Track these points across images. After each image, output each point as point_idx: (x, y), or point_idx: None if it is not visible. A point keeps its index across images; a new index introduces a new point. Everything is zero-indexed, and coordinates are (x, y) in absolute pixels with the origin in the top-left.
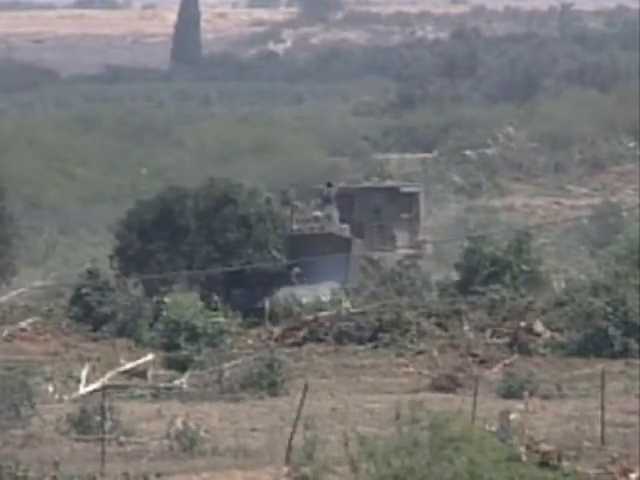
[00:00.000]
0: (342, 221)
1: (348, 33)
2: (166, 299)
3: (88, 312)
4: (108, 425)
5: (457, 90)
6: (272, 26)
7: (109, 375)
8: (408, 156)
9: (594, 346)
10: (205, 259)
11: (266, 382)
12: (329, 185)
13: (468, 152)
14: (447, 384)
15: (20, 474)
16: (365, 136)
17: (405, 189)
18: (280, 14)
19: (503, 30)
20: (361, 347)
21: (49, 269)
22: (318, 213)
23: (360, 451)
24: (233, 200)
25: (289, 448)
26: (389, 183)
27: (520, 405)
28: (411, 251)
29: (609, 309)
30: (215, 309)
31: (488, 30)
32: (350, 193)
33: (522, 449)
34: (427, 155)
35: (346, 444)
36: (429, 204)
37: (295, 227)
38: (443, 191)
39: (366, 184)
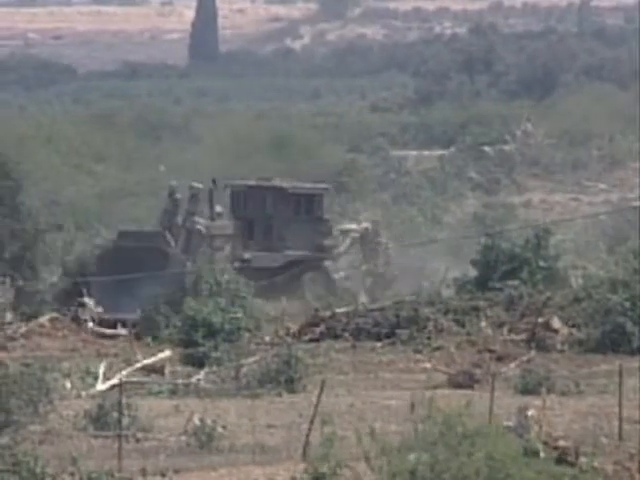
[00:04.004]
0: (237, 219)
1: (366, 29)
2: None
3: None
4: (126, 421)
5: (475, 86)
6: (290, 22)
7: (127, 371)
8: (426, 152)
9: (612, 342)
10: None
11: (283, 378)
12: (214, 182)
13: (486, 148)
14: (464, 380)
15: (38, 470)
16: (383, 132)
17: (302, 190)
18: (298, 10)
19: (521, 26)
20: (378, 343)
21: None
22: (219, 209)
23: (375, 447)
24: None
25: (306, 444)
26: (281, 183)
27: (538, 401)
28: (299, 253)
29: (627, 305)
30: None
31: (506, 26)
32: (242, 191)
33: (540, 445)
34: (445, 151)
35: (361, 440)
36: (446, 200)
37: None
38: (461, 187)
39: (267, 183)
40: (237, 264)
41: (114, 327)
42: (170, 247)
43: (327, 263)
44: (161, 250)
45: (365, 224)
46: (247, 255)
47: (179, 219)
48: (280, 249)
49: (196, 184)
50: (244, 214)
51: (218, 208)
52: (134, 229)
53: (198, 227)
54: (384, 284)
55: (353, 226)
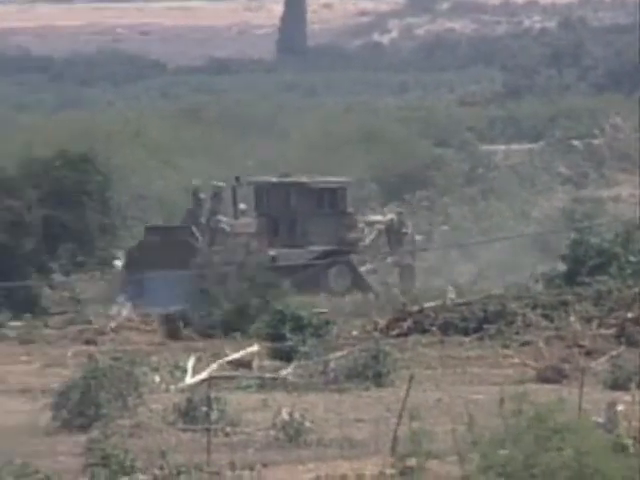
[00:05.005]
0: (261, 216)
1: (454, 23)
2: None
3: None
4: (214, 415)
5: (564, 80)
6: (378, 16)
7: (215, 366)
8: (514, 147)
9: None
10: None
11: (371, 373)
12: (237, 179)
13: (575, 142)
14: (553, 375)
15: (128, 463)
16: (471, 127)
17: (324, 185)
18: (386, 4)
19: (610, 19)
20: (466, 338)
21: None
22: (243, 206)
23: (467, 441)
24: None
25: (394, 439)
26: (305, 178)
27: (627, 397)
28: (329, 247)
29: None
30: None
31: (595, 19)
32: (265, 188)
33: (629, 441)
34: (533, 146)
35: (453, 434)
36: (535, 194)
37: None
38: (549, 182)
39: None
40: (263, 261)
41: None
42: (197, 241)
43: (352, 256)
44: (189, 244)
45: (390, 215)
46: (272, 252)
47: (203, 218)
48: (305, 245)
49: (219, 182)
50: (268, 211)
51: (242, 206)
52: (162, 224)
53: (222, 226)
54: (411, 275)
55: (378, 218)
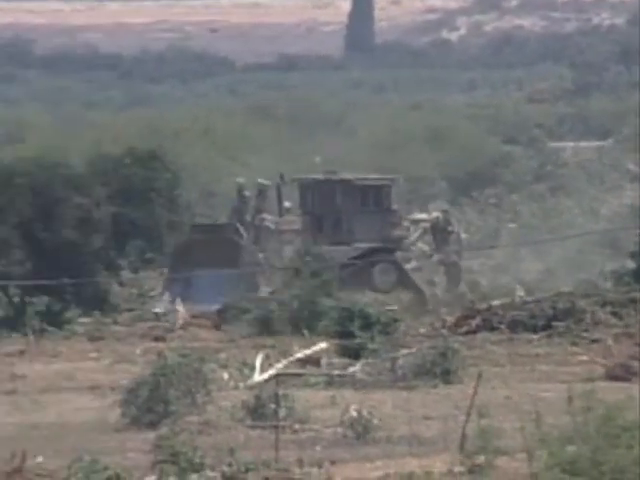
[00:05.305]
0: (306, 213)
1: (522, 20)
2: None
3: None
4: (282, 412)
5: (632, 77)
6: (446, 13)
7: (283, 363)
8: (583, 144)
9: None
10: None
11: (439, 370)
12: (282, 177)
13: None
14: (622, 373)
15: (197, 460)
16: (539, 124)
17: (368, 182)
18: (454, 2)
19: None
20: (535, 336)
21: None
22: (287, 204)
23: (535, 439)
24: None
25: (463, 436)
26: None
27: None
28: (374, 244)
29: None
30: None
31: None
32: (310, 185)
33: None
34: (602, 143)
35: (522, 431)
36: (603, 191)
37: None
38: (618, 179)
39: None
40: (308, 259)
41: None
42: (242, 239)
43: (398, 254)
44: (233, 242)
45: (435, 213)
46: (317, 249)
47: (248, 216)
48: (349, 242)
49: (263, 181)
50: (312, 208)
51: (286, 203)
52: (207, 222)
53: (266, 224)
54: (456, 273)
55: (424, 216)
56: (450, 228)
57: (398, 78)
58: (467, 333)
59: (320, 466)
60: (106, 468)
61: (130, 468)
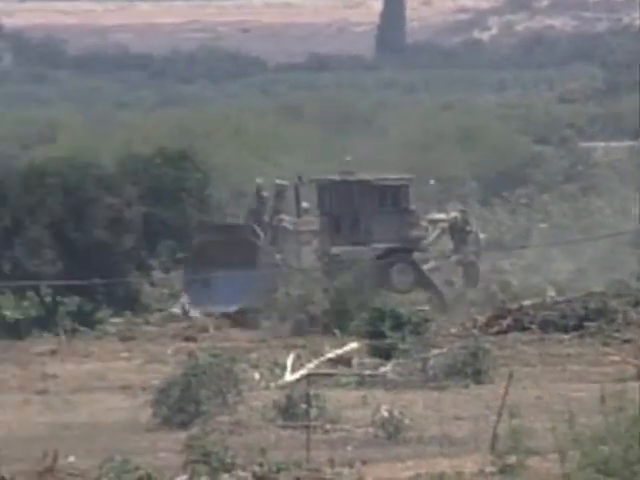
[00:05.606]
0: (324, 214)
1: (553, 20)
2: None
3: None
4: (314, 412)
5: None
6: (477, 13)
7: (314, 363)
8: (614, 144)
9: None
10: None
11: (470, 370)
12: (299, 178)
13: None
14: None
15: (228, 460)
16: (570, 123)
17: (386, 182)
18: (485, 2)
19: None
20: (566, 336)
21: None
22: (305, 205)
23: (567, 439)
24: None
25: (494, 436)
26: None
27: None
28: (391, 245)
29: None
30: None
31: None
32: (327, 186)
33: None
34: (633, 143)
35: (554, 432)
36: (635, 191)
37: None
38: None
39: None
40: (326, 260)
41: None
42: (259, 239)
43: (415, 254)
44: (250, 242)
45: (454, 213)
46: (335, 250)
47: (266, 217)
48: (367, 243)
49: (281, 181)
50: (330, 209)
51: (304, 204)
52: (223, 222)
53: (284, 224)
54: (475, 273)
55: (442, 216)
56: (468, 228)
57: (429, 78)
58: (498, 333)
59: (351, 466)
60: (137, 468)
61: (161, 468)
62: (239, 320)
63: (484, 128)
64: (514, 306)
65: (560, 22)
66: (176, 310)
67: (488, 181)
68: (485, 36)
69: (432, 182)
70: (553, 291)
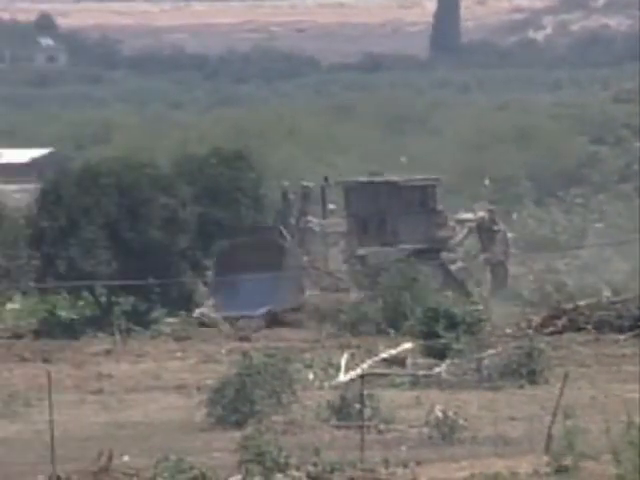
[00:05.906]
0: (350, 215)
1: (609, 19)
2: None
3: None
4: (368, 412)
5: None
6: (532, 13)
7: (368, 363)
8: None
9: None
10: None
11: (525, 371)
12: (326, 180)
13: None
14: None
15: (282, 460)
16: (626, 123)
17: (413, 183)
18: (540, 1)
19: None
20: (621, 336)
21: None
22: (332, 206)
23: (622, 440)
24: None
25: (549, 437)
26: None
27: None
28: (419, 246)
29: None
30: None
31: None
32: (354, 187)
33: None
34: None
35: (608, 433)
36: None
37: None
38: None
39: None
40: (353, 261)
41: None
42: (286, 242)
43: (443, 254)
44: (277, 244)
45: (481, 213)
46: (362, 251)
47: (292, 219)
48: (395, 243)
49: (307, 183)
50: (357, 210)
51: (331, 206)
52: (250, 225)
53: (311, 226)
54: (503, 273)
55: (469, 215)
56: (496, 227)
57: (483, 78)
58: (553, 333)
59: (405, 466)
60: (192, 467)
61: (215, 468)
62: (284, 320)
63: (539, 128)
64: (569, 306)
65: (615, 21)
66: (200, 314)
67: (543, 181)
68: (540, 35)
69: (487, 182)
70: (608, 291)
